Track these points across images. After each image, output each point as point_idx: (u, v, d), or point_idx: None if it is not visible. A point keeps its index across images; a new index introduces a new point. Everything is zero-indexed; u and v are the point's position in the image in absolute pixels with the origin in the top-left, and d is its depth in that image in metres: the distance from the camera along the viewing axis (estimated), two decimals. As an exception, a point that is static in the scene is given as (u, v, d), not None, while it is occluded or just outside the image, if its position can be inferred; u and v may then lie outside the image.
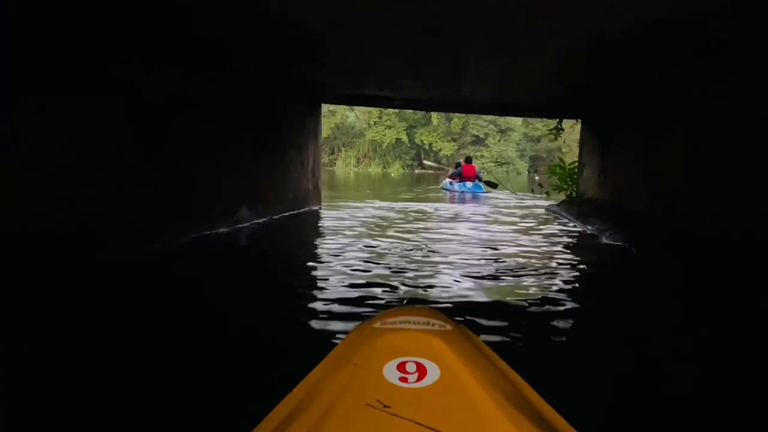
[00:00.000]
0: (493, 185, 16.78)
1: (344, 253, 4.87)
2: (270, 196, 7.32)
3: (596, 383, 2.16)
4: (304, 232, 6.49)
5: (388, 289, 3.46)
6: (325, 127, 47.13)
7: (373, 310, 2.94)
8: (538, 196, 14.15)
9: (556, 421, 1.00)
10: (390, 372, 0.98)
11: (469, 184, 15.61)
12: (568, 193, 10.71)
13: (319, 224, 7.16)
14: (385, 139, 46.31)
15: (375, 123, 47.11)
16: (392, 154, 47.08)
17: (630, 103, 7.02)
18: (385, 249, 5.17)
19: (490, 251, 5.28)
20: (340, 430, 0.86)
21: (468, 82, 6.70)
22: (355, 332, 1.26)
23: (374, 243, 5.52)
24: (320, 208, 9.07)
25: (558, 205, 9.76)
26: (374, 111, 47.23)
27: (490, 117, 48.19)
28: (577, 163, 10.27)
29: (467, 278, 3.89)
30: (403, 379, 0.97)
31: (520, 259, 4.86)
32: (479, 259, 4.79)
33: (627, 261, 5.11)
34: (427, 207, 10.42)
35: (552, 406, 1.06)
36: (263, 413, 1.02)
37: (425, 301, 3.12)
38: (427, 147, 47.69)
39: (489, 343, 1.27)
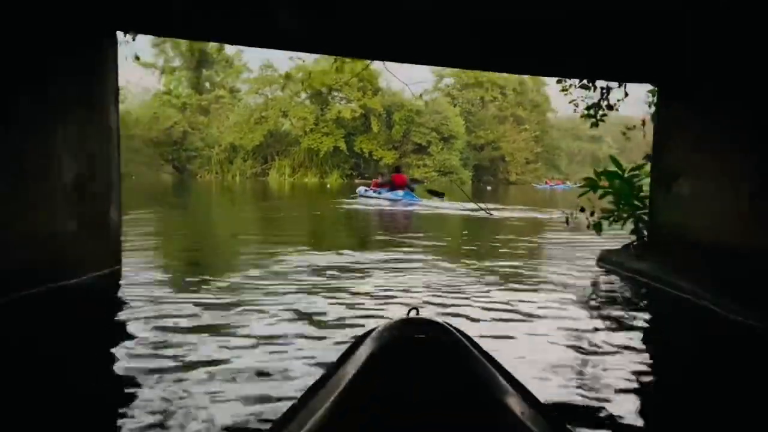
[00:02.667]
0: (439, 195, 16.09)
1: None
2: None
3: None
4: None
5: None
6: (257, 135, 43.77)
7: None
8: (490, 207, 12.26)
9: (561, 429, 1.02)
10: (394, 381, 0.98)
11: (400, 192, 15.50)
12: (636, 224, 5.81)
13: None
14: (323, 147, 43.33)
15: (311, 130, 44.05)
16: (330, 163, 44.13)
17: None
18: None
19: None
20: None
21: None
22: (358, 342, 1.23)
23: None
24: (121, 283, 4.26)
25: (629, 251, 5.50)
26: (310, 117, 44.25)
27: (432, 124, 46.08)
28: (643, 168, 5.93)
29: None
30: (408, 388, 0.96)
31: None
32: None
33: None
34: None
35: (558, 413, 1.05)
36: None
37: (428, 312, 2.58)
38: (366, 155, 44.98)
39: (492, 353, 1.23)
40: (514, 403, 1.00)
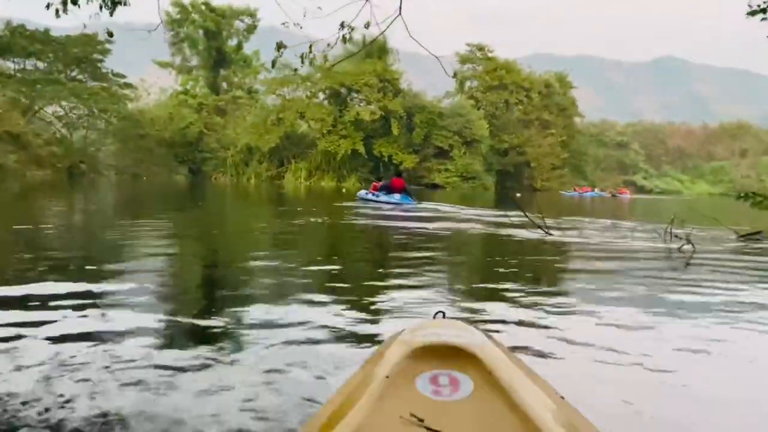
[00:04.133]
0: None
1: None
2: None
3: None
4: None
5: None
6: (273, 136, 42.39)
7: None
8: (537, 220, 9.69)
9: None
10: (423, 385, 0.99)
11: (396, 195, 15.86)
12: None
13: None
14: (340, 150, 41.74)
15: (329, 132, 42.49)
16: (347, 166, 42.53)
17: None
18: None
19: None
20: None
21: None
22: (386, 345, 1.24)
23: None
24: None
25: None
26: (328, 119, 42.73)
27: (454, 127, 44.28)
28: None
29: None
30: (437, 392, 0.98)
31: None
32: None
33: None
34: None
35: (586, 417, 1.03)
36: None
37: (455, 314, 2.90)
38: (386, 159, 43.29)
39: (519, 355, 1.23)
40: (541, 402, 0.98)
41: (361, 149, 42.07)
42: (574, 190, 44.26)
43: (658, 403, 2.06)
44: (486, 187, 45.51)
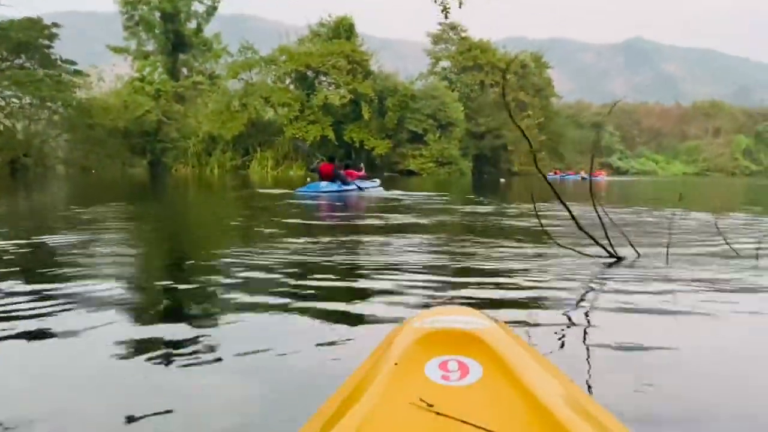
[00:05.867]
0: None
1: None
2: None
3: None
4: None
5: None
6: (237, 124, 39.80)
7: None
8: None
9: (605, 419, 0.98)
10: (432, 371, 1.00)
11: (323, 183, 14.40)
12: None
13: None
14: (308, 136, 39.32)
15: (296, 118, 40.05)
16: (317, 154, 40.18)
17: None
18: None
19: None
20: (384, 430, 0.87)
21: None
22: (395, 331, 1.24)
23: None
24: None
25: None
26: (295, 104, 40.27)
27: (428, 110, 42.19)
28: None
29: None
30: (446, 378, 0.98)
31: None
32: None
33: None
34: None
35: (597, 402, 1.03)
36: None
37: (464, 300, 2.94)
38: (357, 145, 41.07)
39: (529, 341, 1.20)
40: (550, 387, 0.98)
41: (331, 135, 39.75)
42: (555, 173, 42.55)
43: (672, 387, 1.95)
44: (463, 172, 43.61)
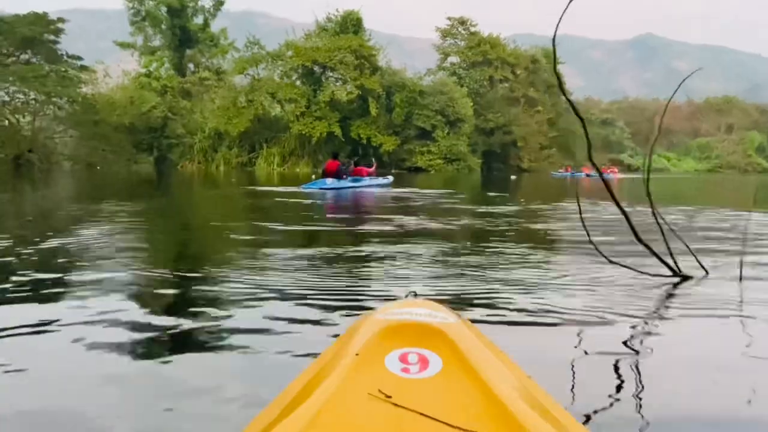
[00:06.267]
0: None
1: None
2: None
3: None
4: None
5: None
6: (243, 120, 39.38)
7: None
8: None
9: (558, 413, 0.99)
10: (392, 362, 1.00)
11: (329, 180, 14.41)
12: None
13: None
14: (315, 133, 38.87)
15: (302, 114, 39.53)
16: (324, 150, 39.70)
17: None
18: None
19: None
20: (341, 419, 0.88)
21: None
22: (358, 323, 1.25)
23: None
24: None
25: None
26: (301, 100, 39.77)
27: (437, 106, 41.55)
28: None
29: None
30: (405, 370, 0.99)
31: None
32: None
33: None
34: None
35: (553, 397, 1.05)
36: None
37: (429, 294, 2.78)
38: (364, 142, 40.53)
39: (490, 336, 1.25)
40: (508, 381, 1.00)
41: (338, 131, 39.25)
42: (567, 170, 41.77)
43: (629, 384, 1.92)
44: (471, 168, 42.98)
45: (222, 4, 49.20)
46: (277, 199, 11.76)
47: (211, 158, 41.11)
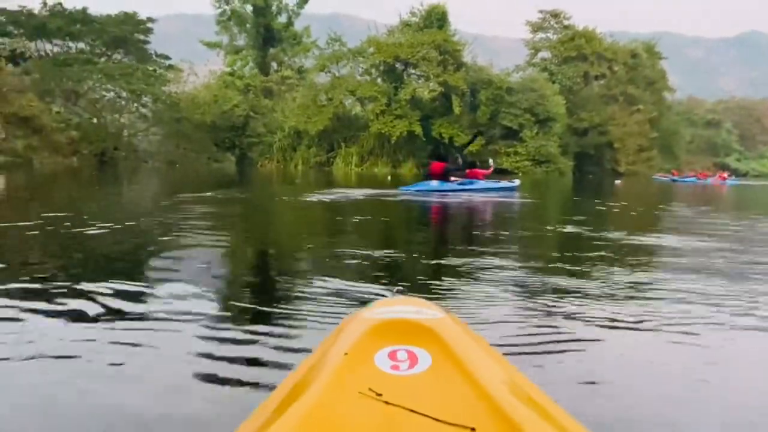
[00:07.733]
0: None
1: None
2: None
3: None
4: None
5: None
6: (322, 118, 38.35)
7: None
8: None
9: (549, 407, 1.00)
10: (382, 360, 1.01)
11: (434, 182, 13.73)
12: None
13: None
14: (395, 132, 37.17)
15: (382, 112, 37.98)
16: (403, 150, 37.94)
17: None
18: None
19: None
20: (333, 419, 0.88)
21: None
22: (346, 321, 1.25)
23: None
24: None
25: None
26: (381, 98, 38.23)
27: (525, 104, 38.77)
28: None
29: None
30: (395, 367, 0.99)
31: None
32: None
33: None
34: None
35: (541, 389, 1.07)
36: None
37: (416, 292, 2.80)
38: (446, 142, 38.40)
39: (477, 332, 1.21)
40: (496, 376, 1.00)
41: (419, 131, 37.34)
42: (673, 174, 37.69)
43: (614, 377, 2.00)
44: (562, 171, 39.83)
45: (306, 1, 48.72)
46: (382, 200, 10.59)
47: (290, 157, 40.43)
